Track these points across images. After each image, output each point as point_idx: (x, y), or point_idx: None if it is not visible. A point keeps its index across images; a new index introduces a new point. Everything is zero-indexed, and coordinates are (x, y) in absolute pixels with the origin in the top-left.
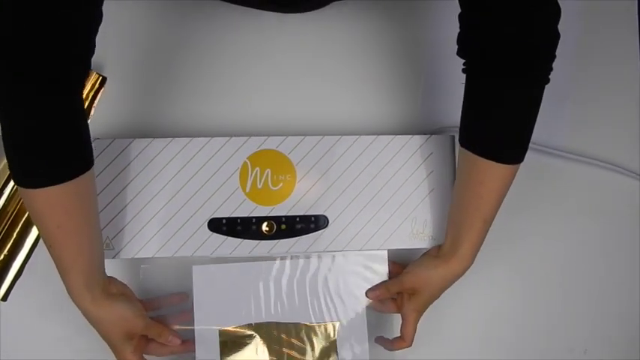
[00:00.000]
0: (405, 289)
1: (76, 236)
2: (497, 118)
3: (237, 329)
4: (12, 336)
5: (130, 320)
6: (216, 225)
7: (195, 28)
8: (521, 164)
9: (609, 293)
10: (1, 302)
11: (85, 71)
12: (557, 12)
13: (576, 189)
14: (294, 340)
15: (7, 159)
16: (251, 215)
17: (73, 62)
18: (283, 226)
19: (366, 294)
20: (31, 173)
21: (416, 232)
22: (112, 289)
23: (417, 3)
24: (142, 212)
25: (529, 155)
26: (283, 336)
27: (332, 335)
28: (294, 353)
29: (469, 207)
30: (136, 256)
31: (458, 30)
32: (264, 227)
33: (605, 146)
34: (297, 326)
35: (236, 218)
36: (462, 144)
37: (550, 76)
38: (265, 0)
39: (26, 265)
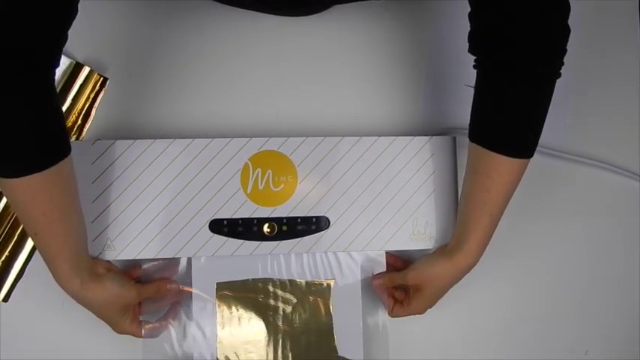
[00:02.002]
0: (408, 284)
1: (61, 223)
2: (508, 111)
3: (235, 285)
4: (13, 337)
5: (122, 295)
6: (218, 226)
7: (197, 29)
8: None
9: (610, 294)
10: (2, 303)
11: (54, 61)
12: (567, 7)
13: (576, 190)
14: (289, 296)
15: None
16: (252, 216)
17: (42, 53)
18: (284, 227)
19: (371, 280)
20: (9, 163)
21: (417, 233)
22: (99, 269)
23: (419, 4)
24: (144, 213)
25: None
26: (279, 292)
27: (326, 292)
28: (288, 309)
29: (476, 201)
30: (137, 257)
31: (460, 32)
32: (266, 228)
33: (605, 147)
34: (292, 282)
35: (237, 219)
36: (471, 139)
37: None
38: (267, 5)
39: (27, 267)
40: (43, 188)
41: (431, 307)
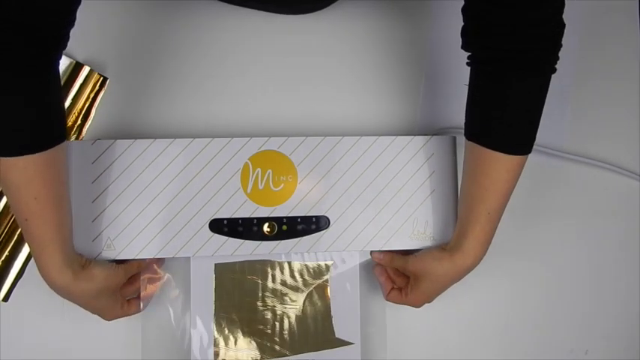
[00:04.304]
0: (407, 269)
1: (53, 209)
2: (504, 108)
3: (233, 266)
4: (12, 336)
5: (112, 277)
6: (218, 226)
7: (197, 28)
8: None
9: (609, 294)
10: (3, 303)
11: (63, 40)
12: (561, 1)
13: (576, 189)
14: (287, 278)
15: None
16: (252, 216)
17: (50, 32)
18: (284, 227)
19: (371, 253)
20: (5, 141)
21: (417, 232)
22: (83, 260)
23: (418, 3)
24: (143, 213)
25: (529, 155)
26: (277, 274)
27: (325, 274)
28: (287, 290)
29: (474, 200)
30: (137, 257)
31: (459, 31)
32: (266, 228)
33: (605, 146)
34: (291, 265)
35: (237, 219)
36: (467, 137)
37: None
38: (266, 1)
39: (27, 266)
40: (36, 171)
41: (429, 302)
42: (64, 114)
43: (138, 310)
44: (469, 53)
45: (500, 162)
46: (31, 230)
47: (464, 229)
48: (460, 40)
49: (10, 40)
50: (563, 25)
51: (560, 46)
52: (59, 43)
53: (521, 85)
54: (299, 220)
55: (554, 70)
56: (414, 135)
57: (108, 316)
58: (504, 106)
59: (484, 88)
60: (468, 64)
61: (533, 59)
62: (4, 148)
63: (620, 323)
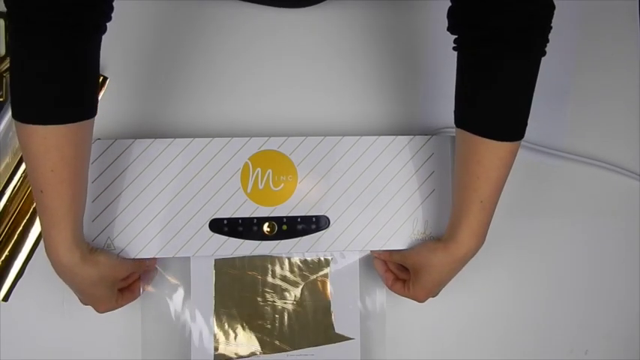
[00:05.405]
0: (406, 263)
1: (69, 185)
2: (493, 92)
3: (233, 262)
4: (12, 336)
5: (115, 267)
6: (218, 225)
7: (197, 28)
8: (521, 164)
9: (609, 293)
10: (3, 303)
11: (106, 11)
12: None
13: (576, 189)
14: (287, 274)
15: (12, 91)
16: (252, 216)
17: (90, 3)
18: (284, 227)
19: (371, 251)
20: (29, 108)
21: (417, 232)
22: (90, 246)
23: (418, 3)
24: (144, 213)
25: (529, 155)
26: (277, 269)
27: (324, 270)
28: (287, 286)
29: (466, 189)
30: (137, 256)
31: None
32: (266, 228)
33: (605, 146)
34: (291, 260)
35: (237, 219)
36: (457, 125)
37: (546, 49)
38: None
39: (27, 266)
40: (56, 142)
41: (433, 297)
42: (94, 91)
43: (130, 300)
44: (455, 36)
45: (490, 149)
46: (45, 203)
47: (457, 219)
48: None
49: (46, 8)
50: (553, 7)
51: (550, 27)
52: (95, 14)
53: (509, 68)
54: (299, 219)
55: (543, 53)
56: (414, 135)
57: (102, 307)
58: (493, 90)
59: (471, 72)
60: (454, 48)
61: (522, 40)
62: (26, 114)
63: (620, 323)
